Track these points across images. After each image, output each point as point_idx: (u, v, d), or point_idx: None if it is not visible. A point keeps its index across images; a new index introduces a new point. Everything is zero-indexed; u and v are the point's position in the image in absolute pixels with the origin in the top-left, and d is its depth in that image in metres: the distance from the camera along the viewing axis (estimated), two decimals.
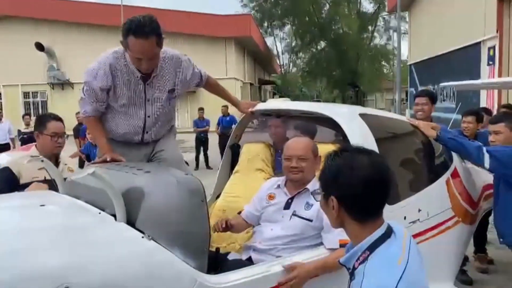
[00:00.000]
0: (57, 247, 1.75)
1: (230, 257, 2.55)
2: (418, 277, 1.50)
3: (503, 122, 3.44)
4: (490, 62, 14.72)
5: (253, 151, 3.49)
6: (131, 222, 1.96)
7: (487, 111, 6.13)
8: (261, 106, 3.44)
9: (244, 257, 2.54)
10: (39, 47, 26.28)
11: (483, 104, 13.76)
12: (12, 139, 11.60)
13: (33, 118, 14.48)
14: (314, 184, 2.52)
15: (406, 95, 29.58)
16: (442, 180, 3.28)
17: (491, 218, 4.72)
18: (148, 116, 2.89)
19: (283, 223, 2.51)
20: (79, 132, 10.49)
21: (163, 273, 1.81)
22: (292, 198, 2.57)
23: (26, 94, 28.53)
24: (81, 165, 7.70)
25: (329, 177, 1.59)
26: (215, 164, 12.32)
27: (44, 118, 3.21)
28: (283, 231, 2.46)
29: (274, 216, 2.57)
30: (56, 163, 3.18)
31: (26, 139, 11.53)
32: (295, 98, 41.61)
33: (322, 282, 2.25)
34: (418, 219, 2.89)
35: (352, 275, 1.57)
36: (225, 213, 3.14)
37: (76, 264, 1.68)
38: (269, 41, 44.43)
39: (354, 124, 2.83)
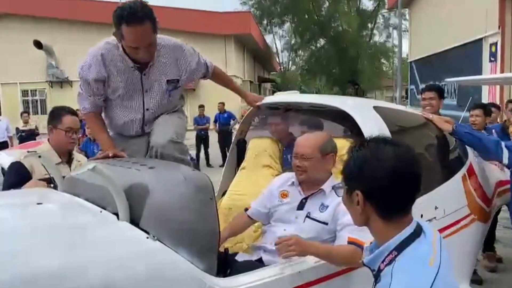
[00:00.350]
0: (55, 249, 1.62)
1: (239, 258, 2.41)
2: (452, 283, 1.37)
3: None
4: (492, 59, 14.66)
5: (260, 147, 3.34)
6: (134, 221, 1.83)
7: (496, 106, 6.02)
8: (269, 99, 3.30)
9: (254, 258, 2.40)
10: (38, 45, 26.13)
11: (484, 101, 13.64)
12: (10, 137, 11.53)
13: (32, 116, 14.46)
14: (329, 185, 2.38)
15: (406, 93, 29.48)
16: (458, 176, 3.16)
17: (499, 216, 4.63)
18: (147, 109, 2.73)
19: (297, 225, 2.37)
20: None
21: (170, 276, 1.69)
22: (306, 198, 2.43)
23: (24, 92, 28.38)
24: None
25: (354, 170, 1.45)
26: (216, 162, 12.38)
27: (59, 112, 3.03)
28: (298, 233, 2.30)
29: (286, 216, 2.43)
30: (69, 159, 3.04)
31: (24, 137, 11.50)
32: None
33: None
34: (435, 217, 2.77)
35: (377, 277, 1.44)
36: (231, 211, 3.02)
37: (76, 266, 1.56)
38: (268, 39, 44.41)
39: (368, 117, 2.70)
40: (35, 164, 2.82)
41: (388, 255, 1.40)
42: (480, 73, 15.01)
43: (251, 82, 33.74)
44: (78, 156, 3.20)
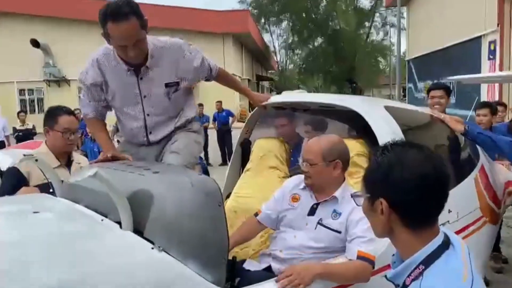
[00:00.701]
0: (53, 261, 1.50)
1: (247, 265, 2.31)
2: None
3: None
4: (491, 57, 14.62)
5: (266, 148, 3.21)
6: (138, 231, 1.72)
7: (503, 104, 5.96)
8: (275, 99, 3.19)
9: (262, 265, 2.30)
10: (35, 43, 25.97)
11: (483, 99, 13.60)
12: (7, 137, 11.41)
13: (29, 116, 14.33)
14: (342, 192, 2.27)
15: (403, 91, 29.41)
16: (470, 178, 3.08)
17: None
18: (148, 115, 2.61)
19: (309, 231, 2.25)
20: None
21: None
22: (317, 204, 2.31)
23: (22, 91, 28.23)
24: None
25: (378, 176, 1.34)
26: (216, 161, 12.38)
27: (54, 112, 2.89)
28: (310, 241, 2.21)
29: (296, 222, 2.31)
30: (68, 162, 2.91)
31: (21, 136, 11.38)
32: None
33: None
34: (448, 221, 2.67)
35: None
36: (237, 214, 2.91)
37: (76, 278, 1.44)
38: (266, 37, 44.33)
39: (380, 117, 2.59)
40: (33, 169, 2.68)
41: (415, 269, 1.30)
42: (478, 71, 14.97)
43: (249, 80, 33.67)
44: (77, 157, 3.07)
